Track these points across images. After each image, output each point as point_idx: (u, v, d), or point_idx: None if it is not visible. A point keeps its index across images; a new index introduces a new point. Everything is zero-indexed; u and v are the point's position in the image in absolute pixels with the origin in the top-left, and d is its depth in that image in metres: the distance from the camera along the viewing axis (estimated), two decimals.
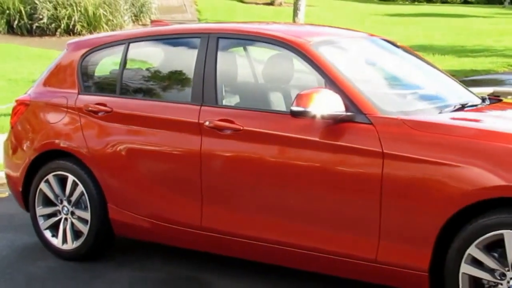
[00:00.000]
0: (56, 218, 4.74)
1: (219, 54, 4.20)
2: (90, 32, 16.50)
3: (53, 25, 16.74)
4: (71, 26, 16.57)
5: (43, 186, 4.76)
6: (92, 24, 16.72)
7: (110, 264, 4.64)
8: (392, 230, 3.53)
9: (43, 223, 4.80)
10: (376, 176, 3.53)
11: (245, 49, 4.64)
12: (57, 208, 4.74)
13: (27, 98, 5.06)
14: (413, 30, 17.86)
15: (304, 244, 3.79)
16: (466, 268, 3.35)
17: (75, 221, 4.65)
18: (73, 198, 4.65)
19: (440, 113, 3.81)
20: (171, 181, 4.30)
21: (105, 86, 4.89)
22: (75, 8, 16.75)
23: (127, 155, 4.43)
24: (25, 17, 16.95)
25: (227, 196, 4.08)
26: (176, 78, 4.62)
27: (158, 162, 4.34)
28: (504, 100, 4.48)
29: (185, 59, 4.48)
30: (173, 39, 4.63)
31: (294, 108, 3.65)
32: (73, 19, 16.61)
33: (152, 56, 5.02)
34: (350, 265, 3.68)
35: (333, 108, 3.64)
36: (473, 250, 3.33)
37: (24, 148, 4.92)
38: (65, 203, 4.69)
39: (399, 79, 4.41)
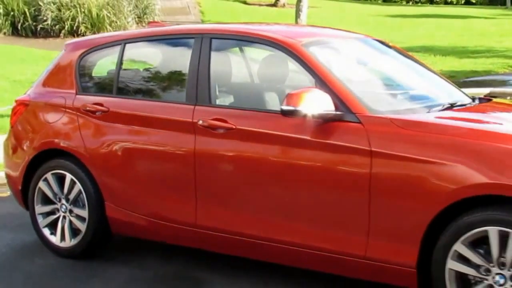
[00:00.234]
0: (55, 216, 4.83)
1: (212, 54, 4.28)
2: (94, 34, 16.59)
3: (57, 26, 16.82)
4: (75, 28, 16.64)
5: (42, 184, 4.85)
6: (96, 26, 16.80)
7: (107, 261, 4.72)
8: (381, 227, 3.60)
9: (41, 221, 4.88)
10: (364, 174, 3.60)
11: (237, 49, 4.72)
12: (55, 206, 4.82)
13: (26, 98, 5.15)
14: (415, 31, 17.90)
15: (295, 241, 3.86)
16: (452, 264, 3.41)
17: (73, 219, 4.74)
18: (71, 196, 4.73)
19: (428, 112, 3.88)
20: (166, 180, 4.37)
21: (102, 86, 4.98)
22: (79, 10, 16.83)
23: (123, 154, 4.51)
24: (29, 19, 17.04)
25: (220, 194, 4.15)
26: (171, 78, 4.71)
27: (154, 161, 4.42)
28: (494, 100, 4.54)
29: (179, 60, 4.56)
30: (168, 39, 4.72)
31: (284, 107, 3.72)
32: (77, 20, 16.68)
33: (148, 57, 5.12)
34: (340, 262, 3.75)
35: (323, 107, 3.71)
36: (459, 247, 3.39)
37: (23, 147, 5.01)
38: (63, 201, 4.78)
39: (389, 79, 4.48)
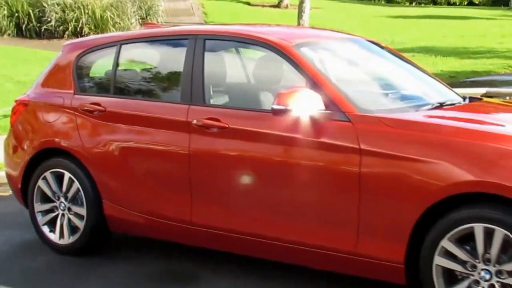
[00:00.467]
0: (54, 214, 4.92)
1: (206, 55, 4.36)
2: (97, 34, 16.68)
3: (61, 27, 16.91)
4: (78, 29, 16.74)
5: (41, 183, 4.94)
6: (100, 27, 16.88)
7: (105, 258, 4.80)
8: (370, 224, 3.67)
9: (41, 219, 4.98)
10: (354, 172, 3.67)
11: (230, 50, 4.80)
12: (54, 204, 4.91)
13: (26, 98, 5.25)
14: (416, 32, 17.92)
15: (287, 237, 3.93)
16: (439, 260, 3.48)
17: (71, 217, 4.83)
18: (70, 195, 4.82)
19: (416, 111, 3.95)
20: (162, 178, 4.46)
21: (99, 87, 5.08)
22: (82, 11, 16.93)
23: (120, 153, 4.59)
24: (33, 20, 17.14)
25: (214, 192, 4.23)
26: (166, 79, 4.80)
27: (150, 160, 4.50)
28: (485, 99, 4.61)
29: (174, 60, 4.65)
30: (162, 41, 4.81)
31: (275, 107, 3.80)
32: (80, 21, 16.77)
33: (143, 57, 5.21)
34: (331, 258, 3.82)
35: (313, 106, 3.78)
36: (446, 243, 3.46)
37: (23, 146, 5.10)
38: (62, 199, 4.87)
39: (380, 79, 4.55)
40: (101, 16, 16.98)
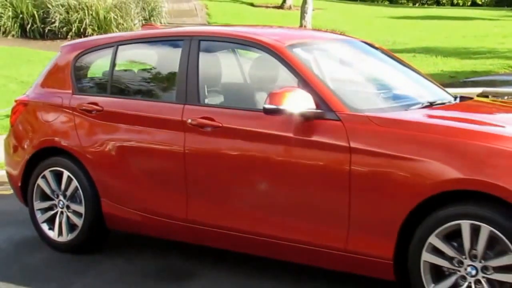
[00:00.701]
0: (53, 212, 5.00)
1: (201, 55, 4.44)
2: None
3: (64, 28, 17.01)
4: (82, 30, 16.84)
5: (40, 181, 5.03)
6: (103, 28, 16.98)
7: (103, 256, 4.88)
8: (360, 221, 3.74)
9: (40, 217, 5.06)
10: (344, 171, 3.74)
11: (225, 51, 4.86)
12: (53, 202, 5.00)
13: (25, 99, 5.34)
14: (419, 32, 17.96)
15: (280, 234, 4.00)
16: (427, 257, 3.55)
17: (70, 215, 4.91)
18: (68, 193, 4.91)
19: (406, 110, 4.02)
20: (158, 176, 4.54)
21: (97, 87, 5.17)
22: (86, 12, 17.03)
23: (117, 152, 4.68)
24: (38, 21, 17.26)
25: (208, 190, 4.31)
26: (162, 79, 4.89)
27: (147, 158, 4.58)
28: (476, 98, 4.67)
29: (170, 61, 4.73)
30: (158, 41, 4.90)
31: (267, 106, 3.87)
32: (84, 22, 16.87)
33: (140, 58, 5.29)
34: (322, 255, 3.89)
35: (305, 106, 3.85)
36: (433, 239, 3.52)
37: (23, 145, 5.19)
38: (60, 197, 4.95)
39: (371, 79, 4.61)
40: (104, 17, 17.07)
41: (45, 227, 5.04)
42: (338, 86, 4.08)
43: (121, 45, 4.92)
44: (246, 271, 4.46)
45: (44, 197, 5.04)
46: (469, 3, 28.83)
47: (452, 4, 28.68)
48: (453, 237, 3.49)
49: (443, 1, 28.87)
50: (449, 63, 13.35)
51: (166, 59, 4.87)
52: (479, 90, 8.70)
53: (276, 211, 4.03)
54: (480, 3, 28.75)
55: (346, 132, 3.76)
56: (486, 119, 4.07)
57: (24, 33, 17.42)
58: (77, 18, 16.92)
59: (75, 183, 4.86)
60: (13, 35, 17.28)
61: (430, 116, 3.95)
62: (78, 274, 4.55)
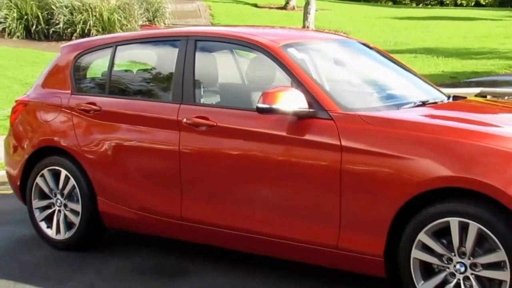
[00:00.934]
0: (50, 210, 5.06)
1: (197, 55, 4.50)
2: None
3: (69, 30, 17.13)
4: (86, 31, 16.94)
5: (39, 180, 5.09)
6: (107, 29, 17.07)
7: (100, 253, 4.94)
8: (351, 219, 3.78)
9: (38, 215, 5.12)
10: (335, 168, 3.78)
11: (221, 51, 4.92)
12: (51, 201, 5.06)
13: (25, 99, 5.41)
14: (421, 33, 18.00)
15: (272, 232, 4.05)
16: (417, 254, 3.59)
17: (67, 213, 4.97)
18: (66, 192, 4.96)
19: (397, 109, 4.06)
20: (154, 175, 4.60)
21: (95, 87, 5.24)
22: (90, 13, 17.13)
23: (114, 151, 4.73)
24: (42, 22, 17.37)
25: (203, 188, 4.36)
26: (159, 79, 4.95)
27: (142, 157, 4.64)
28: (468, 98, 4.71)
29: (167, 61, 4.78)
30: (156, 42, 4.95)
31: (260, 105, 3.92)
32: (88, 24, 16.98)
33: (137, 58, 5.35)
34: (314, 252, 3.94)
35: (297, 105, 3.90)
36: (422, 237, 3.56)
37: (22, 145, 5.25)
38: (58, 196, 5.01)
39: (364, 78, 4.65)
40: (108, 18, 17.17)
41: (43, 225, 5.10)
42: (331, 85, 4.14)
43: (119, 45, 4.98)
44: (241, 268, 4.51)
45: (43, 195, 5.10)
46: (472, 4, 28.83)
47: (456, 5, 28.69)
48: (442, 234, 3.53)
49: (447, 2, 28.88)
50: (450, 63, 13.39)
51: (163, 59, 4.93)
52: (478, 90, 8.73)
53: (269, 209, 4.08)
54: (483, 3, 28.75)
55: (337, 131, 3.80)
56: (476, 118, 4.10)
57: (29, 34, 17.54)
58: (81, 20, 17.02)
59: (72, 181, 4.92)
60: (18, 36, 17.40)
61: (421, 115, 3.99)
62: (76, 271, 4.61)
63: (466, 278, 3.47)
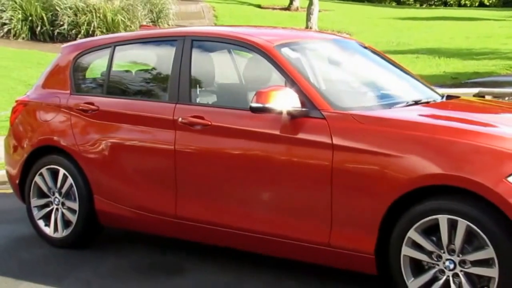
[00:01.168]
0: (48, 209, 5.12)
1: (193, 55, 4.55)
2: None
3: (73, 31, 17.20)
4: (90, 32, 17.01)
5: (37, 179, 5.15)
6: (111, 30, 17.12)
7: (97, 251, 5.00)
8: (342, 216, 3.83)
9: (37, 214, 5.18)
10: (327, 167, 3.83)
11: (217, 50, 4.96)
12: (49, 199, 5.12)
13: (25, 99, 5.48)
14: (424, 33, 17.99)
15: (265, 230, 4.09)
16: (407, 251, 3.63)
17: (65, 211, 5.03)
18: (64, 190, 5.03)
19: (390, 108, 4.10)
20: (150, 174, 4.65)
21: (94, 87, 5.30)
22: (94, 15, 17.20)
23: (111, 150, 4.79)
24: (47, 24, 17.45)
25: (197, 187, 4.40)
26: (156, 79, 5.01)
27: (139, 156, 4.69)
28: (462, 97, 4.75)
29: (164, 61, 4.84)
30: (153, 42, 5.01)
31: (253, 105, 3.97)
32: (92, 25, 17.05)
33: (135, 58, 5.41)
34: (307, 250, 3.98)
35: (290, 104, 3.95)
36: (412, 234, 3.60)
37: (22, 144, 5.32)
38: (56, 194, 5.07)
39: (358, 78, 4.70)
40: (112, 19, 17.24)
41: (41, 223, 5.16)
42: (324, 85, 4.18)
43: (118, 45, 5.04)
44: (237, 266, 4.55)
45: (41, 194, 5.16)
46: (476, 4, 28.82)
47: (460, 5, 28.68)
48: (432, 231, 3.57)
49: (451, 2, 28.87)
50: (452, 64, 13.39)
51: (160, 59, 4.99)
52: (473, 90, 8.76)
53: (263, 207, 4.13)
54: (487, 3, 28.72)
55: (329, 129, 3.85)
56: (468, 117, 4.12)
57: (34, 36, 17.62)
58: (85, 21, 17.09)
59: (70, 180, 4.98)
60: (23, 38, 17.48)
61: (413, 114, 4.03)
62: (73, 269, 4.66)
63: (456, 275, 3.51)
